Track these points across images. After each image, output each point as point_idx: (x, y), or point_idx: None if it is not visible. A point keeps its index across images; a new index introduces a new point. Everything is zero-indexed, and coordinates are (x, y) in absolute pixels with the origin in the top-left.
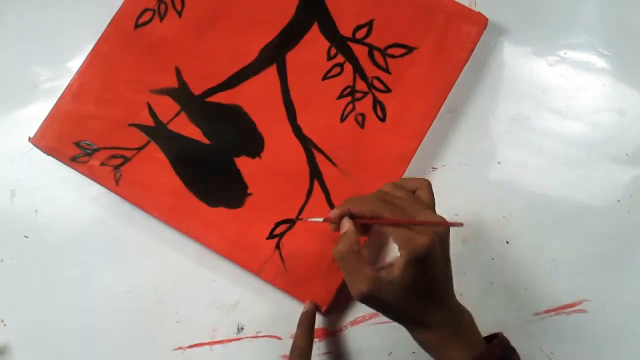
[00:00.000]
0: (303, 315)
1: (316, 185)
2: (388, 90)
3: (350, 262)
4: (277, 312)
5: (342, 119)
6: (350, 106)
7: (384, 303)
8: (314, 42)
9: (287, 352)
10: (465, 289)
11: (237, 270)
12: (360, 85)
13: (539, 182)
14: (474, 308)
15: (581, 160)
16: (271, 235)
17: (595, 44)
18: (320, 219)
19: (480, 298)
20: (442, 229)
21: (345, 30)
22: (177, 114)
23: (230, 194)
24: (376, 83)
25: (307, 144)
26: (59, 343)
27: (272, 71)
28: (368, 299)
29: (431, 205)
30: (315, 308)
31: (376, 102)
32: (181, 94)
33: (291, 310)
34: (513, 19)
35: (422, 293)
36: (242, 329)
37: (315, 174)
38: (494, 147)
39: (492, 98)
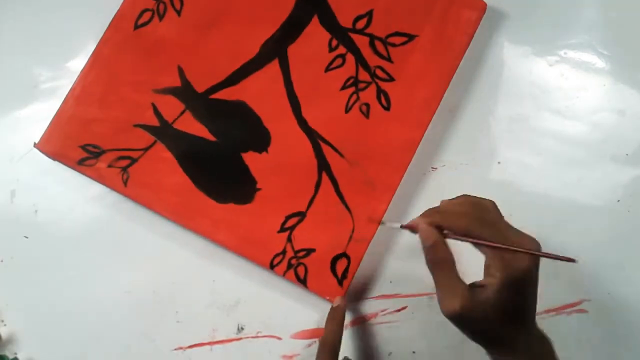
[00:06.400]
0: (334, 310)
1: (324, 176)
2: (391, 79)
3: (446, 274)
4: (277, 312)
5: (347, 110)
6: (355, 97)
7: (473, 323)
8: (315, 34)
9: (287, 352)
10: None
11: (237, 271)
12: (363, 76)
13: (539, 182)
14: None
15: (581, 160)
16: (282, 229)
17: (595, 44)
18: (398, 225)
19: None
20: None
21: (345, 21)
22: (182, 112)
23: (239, 190)
24: (379, 72)
25: (314, 136)
26: (59, 343)
27: (274, 65)
28: (458, 317)
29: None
30: (346, 303)
31: (380, 92)
32: (185, 92)
33: (291, 310)
34: (513, 19)
35: (512, 317)
36: (242, 329)
37: (323, 165)
38: (494, 147)
39: (492, 98)
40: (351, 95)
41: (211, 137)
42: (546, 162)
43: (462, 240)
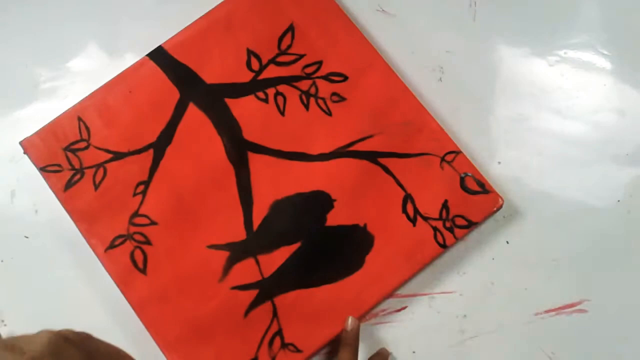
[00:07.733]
0: (348, 334)
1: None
2: None
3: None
4: None
5: None
6: None
7: None
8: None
9: None
10: (466, 289)
11: None
12: None
13: (539, 182)
14: (475, 308)
15: (581, 161)
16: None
17: (595, 44)
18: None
19: (480, 298)
20: None
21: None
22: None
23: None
24: None
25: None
26: None
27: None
28: None
29: None
30: (359, 324)
31: None
32: None
33: None
34: (513, 19)
35: None
36: None
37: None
38: (494, 147)
39: (492, 98)
40: None
41: None
42: (546, 162)
43: None
